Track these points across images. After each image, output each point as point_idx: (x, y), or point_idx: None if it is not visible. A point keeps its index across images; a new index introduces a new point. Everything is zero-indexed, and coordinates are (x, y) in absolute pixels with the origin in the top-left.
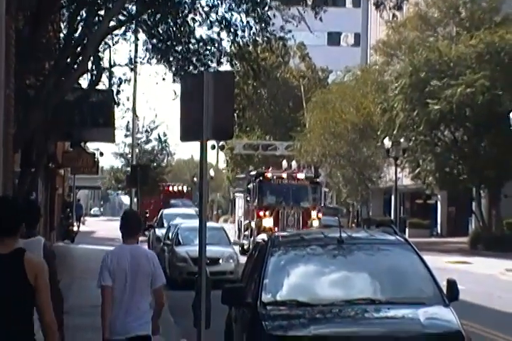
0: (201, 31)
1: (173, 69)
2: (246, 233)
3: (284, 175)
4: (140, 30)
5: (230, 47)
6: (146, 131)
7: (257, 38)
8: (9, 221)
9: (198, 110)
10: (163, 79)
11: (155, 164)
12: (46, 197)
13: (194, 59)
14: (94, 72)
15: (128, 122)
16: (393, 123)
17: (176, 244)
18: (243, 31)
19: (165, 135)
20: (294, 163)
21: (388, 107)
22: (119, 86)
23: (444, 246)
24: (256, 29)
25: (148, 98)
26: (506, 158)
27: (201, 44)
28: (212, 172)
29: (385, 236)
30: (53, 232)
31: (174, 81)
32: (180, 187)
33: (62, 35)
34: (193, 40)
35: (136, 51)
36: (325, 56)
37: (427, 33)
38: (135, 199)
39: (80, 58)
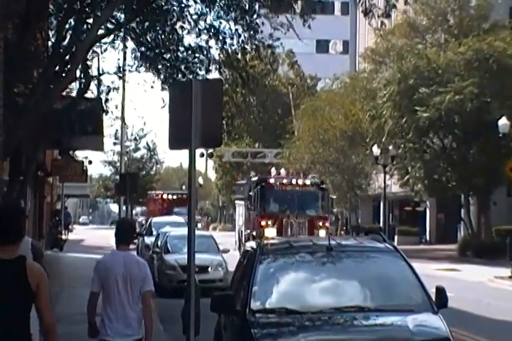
0: (190, 39)
1: (162, 77)
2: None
3: (289, 182)
4: (128, 38)
5: (219, 55)
6: (135, 139)
7: (246, 46)
8: (17, 232)
9: (186, 118)
10: (152, 87)
11: (144, 172)
12: (35, 205)
13: (183, 67)
14: (83, 80)
15: (116, 130)
16: (382, 130)
17: (165, 252)
18: (232, 39)
19: (153, 143)
20: (282, 171)
21: (377, 114)
22: (107, 94)
23: (432, 254)
24: (244, 37)
25: (137, 106)
26: (495, 165)
27: (190, 52)
28: (201, 180)
29: (373, 244)
30: (42, 240)
31: (163, 89)
32: (184, 195)
33: (50, 43)
34: (181, 48)
35: (124, 59)
36: (313, 63)
37: (415, 40)
38: (124, 207)
39: (69, 66)
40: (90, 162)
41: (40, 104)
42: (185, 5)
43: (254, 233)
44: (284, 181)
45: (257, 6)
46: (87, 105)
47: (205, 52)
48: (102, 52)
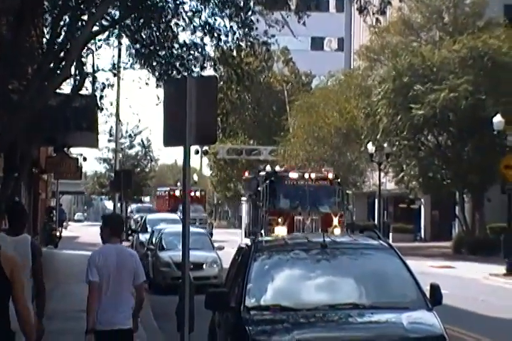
0: (184, 36)
1: (157, 74)
2: None
3: (301, 176)
4: (123, 35)
5: (214, 52)
6: (130, 136)
7: (241, 43)
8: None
9: (181, 115)
10: (147, 84)
11: (138, 169)
12: (29, 202)
13: (177, 64)
14: (78, 77)
15: (111, 127)
16: (377, 127)
17: (160, 249)
18: (226, 36)
19: (148, 140)
20: (277, 168)
21: (372, 112)
22: (102, 91)
23: (427, 251)
24: (239, 34)
25: (132, 103)
26: (490, 163)
27: (184, 49)
28: (195, 177)
29: (368, 241)
30: (37, 237)
31: (157, 86)
32: (192, 192)
33: (45, 39)
34: (176, 45)
35: (119, 56)
36: (308, 61)
37: (410, 37)
38: (118, 204)
39: (63, 63)
40: (85, 159)
41: (35, 100)
42: (180, 2)
43: (262, 231)
44: (296, 175)
45: (252, 3)
46: (81, 102)
47: (199, 49)
48: (96, 49)
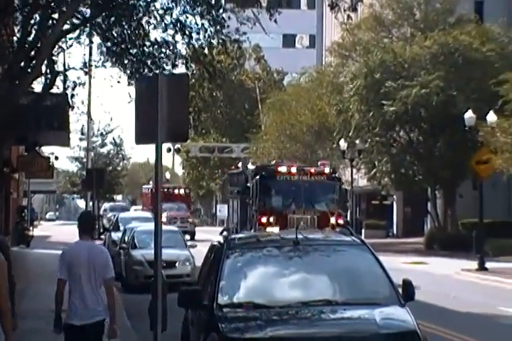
0: (156, 34)
1: (128, 72)
2: None
3: (294, 170)
4: (94, 33)
5: (185, 49)
6: (101, 134)
7: (212, 41)
8: None
9: (152, 113)
10: (118, 82)
11: (110, 168)
12: (0, 202)
13: (149, 62)
14: (49, 76)
15: (83, 126)
16: (348, 124)
17: (132, 247)
18: (198, 34)
19: (120, 138)
20: (250, 166)
21: (343, 108)
22: (73, 89)
23: (400, 247)
24: (211, 31)
25: (104, 101)
26: (461, 159)
27: (156, 47)
28: (168, 175)
29: (341, 238)
30: (8, 237)
31: (129, 84)
32: (177, 190)
33: (15, 38)
34: (147, 43)
35: (90, 54)
36: (280, 58)
37: (381, 34)
38: (90, 203)
39: (34, 62)
40: (57, 158)
41: (6, 99)
42: (151, 0)
43: (252, 232)
44: (290, 170)
45: (223, 1)
46: (52, 101)
47: (171, 47)
48: (67, 48)
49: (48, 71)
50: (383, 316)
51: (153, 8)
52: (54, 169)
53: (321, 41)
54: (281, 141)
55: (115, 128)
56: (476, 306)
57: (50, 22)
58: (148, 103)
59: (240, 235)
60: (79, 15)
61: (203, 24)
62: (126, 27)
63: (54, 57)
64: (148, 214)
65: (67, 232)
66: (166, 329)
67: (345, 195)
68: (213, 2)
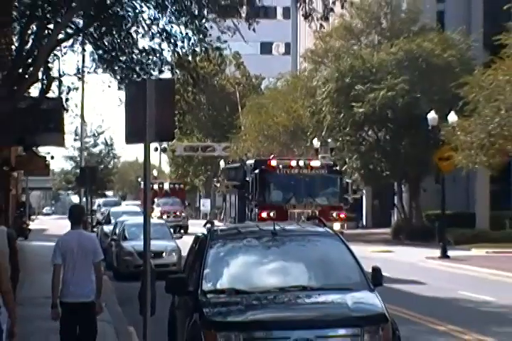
0: (144, 42)
1: (118, 77)
2: None
3: (294, 163)
4: (87, 42)
5: (171, 56)
6: (94, 135)
7: (196, 48)
8: None
9: (141, 115)
10: (109, 86)
11: (102, 166)
12: (0, 198)
13: (137, 68)
14: (45, 82)
15: (76, 127)
16: (321, 125)
17: (123, 239)
18: (182, 42)
19: (111, 139)
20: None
21: (316, 110)
22: (67, 94)
23: (369, 237)
24: (194, 40)
25: (96, 105)
26: (424, 156)
27: (144, 54)
28: (155, 173)
29: (315, 229)
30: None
31: (119, 88)
32: (171, 185)
33: (14, 47)
34: (136, 51)
35: (83, 61)
36: (258, 64)
37: (351, 42)
38: (84, 199)
39: (31, 68)
40: (52, 157)
41: (5, 104)
42: (139, 11)
43: None
44: (289, 163)
45: (205, 11)
46: (48, 104)
47: (158, 55)
48: (62, 55)
49: (44, 77)
50: (354, 300)
51: (141, 19)
52: (50, 167)
53: (295, 48)
54: (259, 140)
55: (106, 129)
56: (440, 291)
57: (46, 32)
58: (137, 106)
59: (222, 227)
60: (72, 26)
61: (187, 33)
62: (116, 36)
63: (50, 64)
64: (138, 209)
65: (63, 225)
66: (155, 314)
67: (346, 188)
68: (196, 13)
